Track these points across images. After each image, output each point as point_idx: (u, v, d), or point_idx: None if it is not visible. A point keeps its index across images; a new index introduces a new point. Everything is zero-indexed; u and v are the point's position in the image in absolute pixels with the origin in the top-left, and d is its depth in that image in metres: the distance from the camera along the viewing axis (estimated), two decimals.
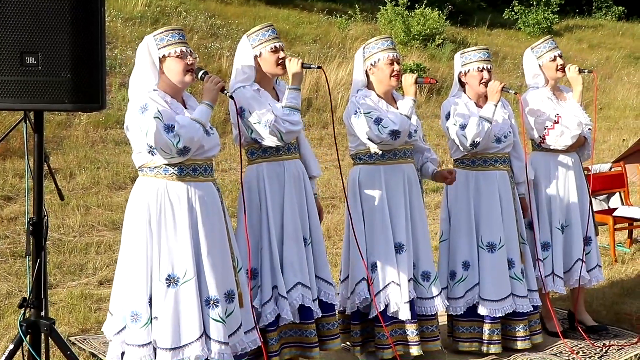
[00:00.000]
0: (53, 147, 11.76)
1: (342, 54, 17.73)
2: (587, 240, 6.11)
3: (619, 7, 29.07)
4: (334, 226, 9.28)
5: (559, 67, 6.02)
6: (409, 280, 5.40)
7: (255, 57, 5.06)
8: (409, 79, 5.38)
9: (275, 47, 5.04)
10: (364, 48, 5.50)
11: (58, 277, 7.52)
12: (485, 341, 5.72)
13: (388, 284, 5.39)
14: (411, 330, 5.44)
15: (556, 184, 6.06)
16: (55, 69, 3.60)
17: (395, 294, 5.37)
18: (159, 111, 4.25)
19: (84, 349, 5.68)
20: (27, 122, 3.99)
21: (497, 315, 5.68)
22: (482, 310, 5.69)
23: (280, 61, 5.04)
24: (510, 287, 5.72)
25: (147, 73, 4.42)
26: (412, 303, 5.43)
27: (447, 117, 5.66)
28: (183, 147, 4.27)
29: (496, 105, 5.61)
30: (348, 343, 5.65)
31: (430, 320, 5.52)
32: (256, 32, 5.09)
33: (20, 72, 3.59)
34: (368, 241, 5.44)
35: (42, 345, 4.11)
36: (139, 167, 4.48)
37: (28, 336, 3.93)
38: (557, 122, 5.95)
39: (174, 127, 4.24)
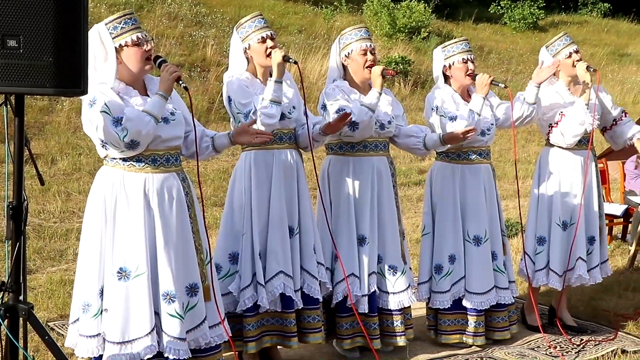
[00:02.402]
0: (35, 133, 11.71)
1: (328, 45, 17.70)
2: (590, 240, 6.12)
3: (605, 4, 29.20)
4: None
5: (576, 63, 5.98)
6: (370, 274, 5.41)
7: (245, 49, 5.06)
8: (376, 71, 5.31)
9: (262, 37, 5.03)
10: (339, 38, 5.49)
11: (38, 263, 7.50)
12: (470, 333, 5.74)
13: (348, 276, 5.38)
14: (371, 323, 5.44)
15: (560, 180, 6.05)
16: (37, 53, 3.57)
17: (355, 286, 5.38)
18: (106, 105, 4.13)
19: (63, 335, 5.65)
20: (8, 105, 3.96)
21: (483, 308, 5.71)
22: (467, 303, 5.70)
23: (269, 51, 5.03)
24: (494, 279, 5.75)
25: (100, 65, 4.28)
26: (372, 296, 5.44)
27: (434, 110, 5.64)
28: (130, 141, 4.14)
29: (484, 99, 5.62)
30: None
31: (393, 315, 5.50)
32: (244, 24, 5.09)
33: (1, 55, 3.55)
34: (332, 231, 5.45)
35: (21, 330, 4.10)
36: (103, 158, 4.41)
37: (6, 320, 3.91)
38: (560, 121, 5.95)
39: (122, 119, 4.13)
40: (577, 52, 6.02)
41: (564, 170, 6.05)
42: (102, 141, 4.20)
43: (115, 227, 4.31)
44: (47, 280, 6.92)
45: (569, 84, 6.05)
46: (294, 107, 5.15)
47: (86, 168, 10.84)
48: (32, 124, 11.84)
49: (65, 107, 12.62)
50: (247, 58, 5.09)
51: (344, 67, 5.48)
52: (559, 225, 6.03)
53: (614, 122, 6.18)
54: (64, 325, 5.90)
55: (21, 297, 3.98)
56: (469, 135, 5.38)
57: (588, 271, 6.08)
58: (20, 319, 3.98)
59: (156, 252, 4.31)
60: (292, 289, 5.07)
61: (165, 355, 4.31)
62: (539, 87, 5.77)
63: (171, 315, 4.29)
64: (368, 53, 5.40)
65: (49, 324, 5.89)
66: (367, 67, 5.38)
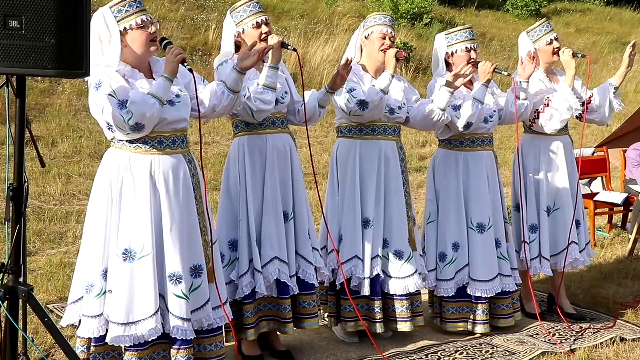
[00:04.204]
0: (35, 115, 11.70)
1: (329, 30, 17.65)
2: (576, 223, 6.14)
3: None
4: (315, 202, 9.27)
5: (555, 50, 6.00)
6: (373, 257, 5.42)
7: (239, 33, 5.04)
8: (390, 53, 5.35)
9: (257, 22, 5.01)
10: (364, 22, 5.54)
11: (37, 245, 7.50)
12: (474, 321, 5.75)
13: (352, 258, 5.40)
14: (374, 306, 5.46)
15: (545, 167, 6.07)
16: (39, 34, 3.56)
17: (358, 268, 5.39)
18: (112, 88, 4.15)
19: (62, 317, 5.66)
20: (9, 87, 3.95)
21: (487, 296, 5.70)
22: (472, 291, 5.70)
23: (264, 36, 5.01)
24: (498, 267, 5.75)
25: (106, 49, 4.30)
26: (375, 280, 5.45)
27: None
28: (135, 124, 4.16)
29: (487, 86, 5.60)
30: (326, 314, 5.68)
31: (399, 300, 5.50)
32: (238, 8, 5.07)
33: (2, 35, 3.54)
34: (339, 213, 5.47)
35: (20, 312, 4.10)
36: (110, 140, 4.43)
37: (6, 302, 3.91)
38: (547, 106, 5.96)
39: (127, 102, 4.14)
40: (556, 39, 6.02)
41: (548, 157, 6.08)
42: (108, 124, 4.21)
43: (121, 208, 4.33)
44: (47, 262, 6.92)
45: (546, 70, 6.05)
46: (286, 92, 5.15)
47: (86, 150, 10.83)
48: (32, 106, 11.81)
49: (66, 90, 12.60)
50: (238, 42, 5.06)
51: (360, 50, 5.49)
52: (545, 211, 6.07)
53: (588, 101, 6.12)
54: (63, 307, 5.89)
55: (21, 279, 3.98)
56: (467, 69, 5.41)
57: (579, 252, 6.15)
58: (20, 300, 3.98)
59: (162, 233, 4.34)
60: (287, 274, 5.07)
61: (172, 335, 4.34)
62: (528, 81, 5.77)
63: (177, 296, 4.32)
64: (387, 38, 5.41)
65: (48, 306, 5.90)
66: (382, 50, 5.40)
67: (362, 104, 5.25)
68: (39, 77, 11.90)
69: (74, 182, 9.66)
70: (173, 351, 4.38)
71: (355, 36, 5.57)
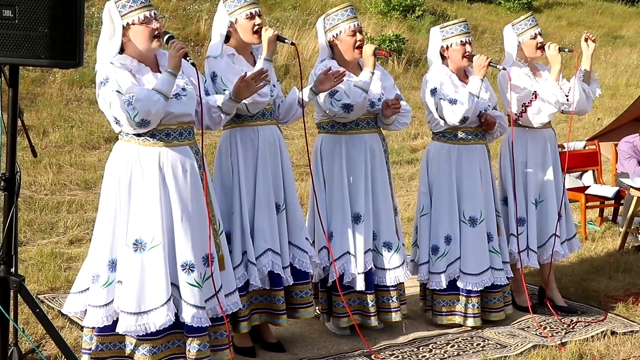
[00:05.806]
0: (27, 104, 11.65)
1: None
2: (558, 216, 6.16)
3: None
4: (307, 194, 9.28)
5: (539, 45, 6.02)
6: (366, 251, 5.42)
7: (232, 23, 5.02)
8: (368, 50, 5.31)
9: (251, 13, 4.99)
10: (324, 19, 5.44)
11: (28, 235, 7.48)
12: (465, 314, 5.75)
13: (343, 254, 5.40)
14: (368, 300, 5.46)
15: (532, 159, 6.09)
16: (32, 23, 3.56)
17: (350, 264, 5.39)
18: (118, 84, 4.19)
19: (53, 308, 5.66)
20: (2, 76, 3.94)
21: (477, 289, 5.71)
22: (462, 284, 5.71)
23: (256, 28, 5.00)
24: (489, 260, 5.76)
25: (109, 42, 4.36)
26: (369, 274, 5.45)
27: (433, 91, 5.61)
28: (141, 120, 4.20)
29: (482, 80, 5.61)
30: (317, 309, 5.68)
31: (389, 292, 5.52)
32: None
33: None
34: (327, 210, 5.45)
35: (11, 303, 4.09)
36: (118, 133, 4.47)
37: None
38: (534, 100, 5.97)
39: (132, 99, 4.17)
40: (540, 34, 6.05)
41: (534, 150, 6.11)
42: (116, 119, 4.26)
43: (130, 200, 4.38)
44: (38, 252, 6.91)
45: (529, 65, 6.08)
46: (274, 85, 5.15)
47: (78, 140, 10.80)
48: (24, 95, 11.76)
49: (57, 79, 12.55)
50: (229, 32, 5.04)
51: (332, 47, 5.45)
52: (533, 204, 6.09)
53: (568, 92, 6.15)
54: (54, 298, 5.90)
55: (12, 269, 3.97)
56: (396, 105, 5.36)
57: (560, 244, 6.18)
58: (12, 291, 3.97)
59: (172, 224, 4.40)
60: (280, 266, 5.07)
61: (188, 324, 4.39)
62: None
63: (191, 285, 4.38)
64: (357, 33, 5.37)
65: (39, 296, 5.88)
66: (357, 48, 5.37)
67: (347, 107, 5.24)
68: (31, 67, 11.85)
69: (65, 172, 9.64)
70: (189, 340, 4.43)
71: (320, 33, 5.47)
